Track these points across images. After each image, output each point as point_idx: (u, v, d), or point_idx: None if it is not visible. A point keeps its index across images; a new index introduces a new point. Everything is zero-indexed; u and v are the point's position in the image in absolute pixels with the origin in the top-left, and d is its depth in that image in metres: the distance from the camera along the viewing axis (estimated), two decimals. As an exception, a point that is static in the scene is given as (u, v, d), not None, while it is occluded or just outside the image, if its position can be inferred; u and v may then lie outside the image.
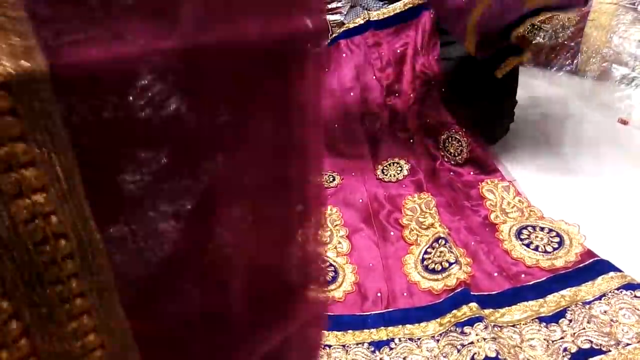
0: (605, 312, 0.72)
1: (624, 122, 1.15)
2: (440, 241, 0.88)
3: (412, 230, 0.94)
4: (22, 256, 0.26)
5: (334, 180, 1.11)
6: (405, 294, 0.81)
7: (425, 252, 0.89)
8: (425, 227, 0.93)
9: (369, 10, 1.21)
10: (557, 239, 0.86)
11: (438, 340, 0.73)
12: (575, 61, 1.31)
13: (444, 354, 0.70)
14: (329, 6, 1.55)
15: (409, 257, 0.87)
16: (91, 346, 0.29)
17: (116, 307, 0.29)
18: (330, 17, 1.52)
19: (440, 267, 0.83)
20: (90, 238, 0.28)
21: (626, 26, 1.27)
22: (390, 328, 0.76)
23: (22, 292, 0.26)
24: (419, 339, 0.74)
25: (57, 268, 0.27)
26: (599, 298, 0.74)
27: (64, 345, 0.28)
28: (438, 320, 0.76)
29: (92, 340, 0.29)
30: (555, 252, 0.84)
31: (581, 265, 0.80)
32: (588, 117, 1.18)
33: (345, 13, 1.46)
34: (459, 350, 0.70)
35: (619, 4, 1.29)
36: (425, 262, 0.87)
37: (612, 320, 0.70)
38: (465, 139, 1.07)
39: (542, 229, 0.89)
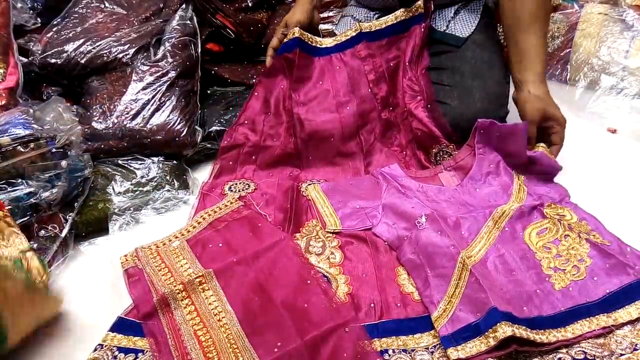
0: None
1: (613, 131, 1.17)
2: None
3: (405, 241, 0.93)
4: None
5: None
6: (398, 304, 0.81)
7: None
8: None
9: (360, 21, 1.21)
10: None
11: (432, 352, 0.72)
12: (565, 71, 1.32)
13: (438, 366, 0.70)
14: (321, 15, 1.56)
15: (403, 267, 0.87)
16: None
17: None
18: (321, 26, 1.52)
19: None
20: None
21: (614, 37, 1.28)
22: (383, 339, 0.75)
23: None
24: (412, 350, 0.73)
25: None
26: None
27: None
28: (432, 332, 0.75)
29: None
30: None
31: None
32: (577, 126, 1.19)
33: (336, 22, 1.46)
34: (453, 363, 0.70)
35: (607, 14, 1.31)
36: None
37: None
38: (456, 152, 1.07)
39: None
